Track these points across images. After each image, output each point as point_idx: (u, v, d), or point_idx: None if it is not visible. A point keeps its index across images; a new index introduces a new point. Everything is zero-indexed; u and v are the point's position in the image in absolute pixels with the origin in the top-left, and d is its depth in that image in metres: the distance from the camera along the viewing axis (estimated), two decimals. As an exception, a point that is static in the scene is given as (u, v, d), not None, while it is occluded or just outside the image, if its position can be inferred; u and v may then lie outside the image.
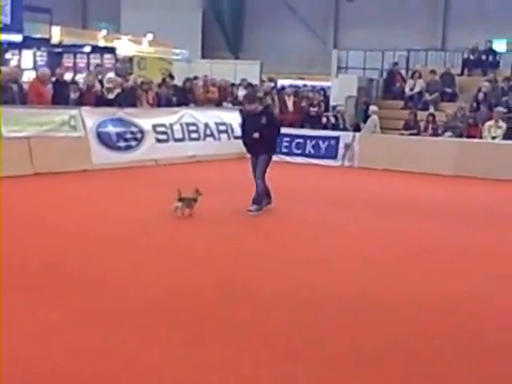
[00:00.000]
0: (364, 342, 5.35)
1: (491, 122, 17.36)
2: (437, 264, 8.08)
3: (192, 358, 4.89)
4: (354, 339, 5.42)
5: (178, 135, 17.34)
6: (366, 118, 19.44)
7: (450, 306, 6.47)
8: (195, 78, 20.44)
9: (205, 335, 5.37)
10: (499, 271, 7.84)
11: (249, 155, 11.13)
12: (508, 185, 14.90)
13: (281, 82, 25.20)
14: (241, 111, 16.17)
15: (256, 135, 10.50)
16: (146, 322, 5.62)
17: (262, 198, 10.78)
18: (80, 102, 15.69)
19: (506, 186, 14.79)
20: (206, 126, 18.14)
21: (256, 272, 7.34)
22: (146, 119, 16.46)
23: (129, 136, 16.00)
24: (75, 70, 24.96)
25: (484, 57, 21.68)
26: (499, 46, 24.63)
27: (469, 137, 17.63)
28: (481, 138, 17.38)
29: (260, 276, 7.21)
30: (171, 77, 19.84)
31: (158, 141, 16.70)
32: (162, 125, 16.95)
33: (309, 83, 27.02)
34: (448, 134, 17.91)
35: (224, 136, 18.61)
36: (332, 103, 21.17)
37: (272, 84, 22.28)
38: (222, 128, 18.61)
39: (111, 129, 15.65)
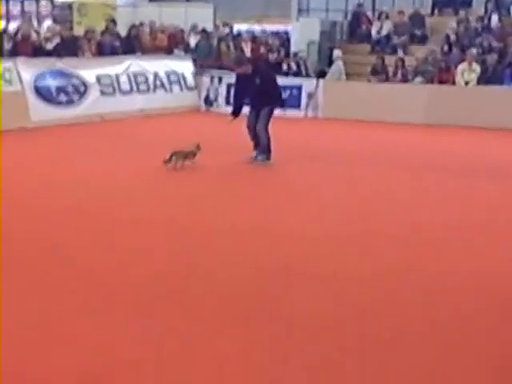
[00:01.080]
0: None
1: (464, 66, 17.38)
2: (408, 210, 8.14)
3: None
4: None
5: (125, 87, 17.08)
6: (330, 64, 19.32)
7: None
8: (141, 24, 20.04)
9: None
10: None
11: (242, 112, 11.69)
12: (485, 132, 14.98)
13: (237, 27, 24.83)
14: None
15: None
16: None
17: (265, 149, 11.32)
18: (15, 54, 15.31)
19: (482, 134, 14.87)
20: (156, 76, 17.90)
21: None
22: (88, 70, 16.18)
23: (70, 89, 15.73)
24: (8, 18, 24.32)
25: (456, -5, 21.66)
26: (472, -18, 24.61)
27: (441, 82, 17.66)
28: (453, 82, 17.42)
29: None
30: (113, 22, 19.43)
31: (103, 94, 16.46)
32: (107, 76, 16.68)
33: (267, 27, 26.72)
34: (418, 79, 17.91)
35: (176, 87, 18.40)
36: (293, 49, 20.97)
37: (227, 29, 21.99)
38: (174, 78, 18.39)
39: (50, 82, 15.35)
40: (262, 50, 19.99)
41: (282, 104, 12.27)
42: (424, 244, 7.14)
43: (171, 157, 10.43)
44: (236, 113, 11.75)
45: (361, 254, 6.74)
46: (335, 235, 7.36)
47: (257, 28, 26.63)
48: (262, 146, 11.37)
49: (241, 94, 11.78)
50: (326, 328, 4.99)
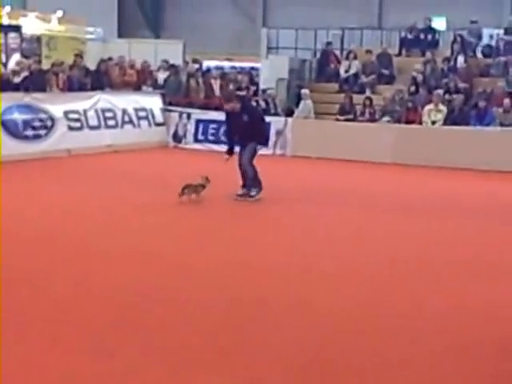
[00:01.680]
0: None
1: (431, 106, 17.62)
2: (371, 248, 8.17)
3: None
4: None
5: (93, 122, 17.04)
6: (299, 102, 19.47)
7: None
8: (109, 59, 20.04)
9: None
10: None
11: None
12: (451, 173, 15.13)
13: (206, 64, 25.00)
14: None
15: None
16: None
17: (255, 182, 11.59)
18: (-19, 87, 15.23)
19: (448, 175, 15.01)
20: (124, 112, 17.88)
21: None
22: (56, 105, 16.12)
23: (37, 124, 15.65)
24: (-24, 50, 24.18)
25: (423, 36, 21.97)
26: (439, 23, 25.03)
27: (408, 122, 17.87)
28: (420, 122, 17.63)
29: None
30: (80, 56, 19.40)
31: (71, 129, 16.40)
32: (75, 111, 16.63)
33: (237, 64, 26.93)
34: (386, 118, 18.09)
35: (144, 123, 18.41)
36: (262, 86, 21.12)
37: (196, 66, 22.08)
38: (142, 114, 18.40)
39: (17, 116, 15.27)
40: (231, 86, 20.08)
41: (266, 142, 12.63)
42: (395, 281, 7.18)
43: (183, 190, 10.71)
44: (230, 150, 11.82)
45: (331, 288, 6.80)
46: (308, 270, 7.41)
47: (226, 65, 26.84)
48: (249, 180, 11.58)
49: (230, 131, 12.07)
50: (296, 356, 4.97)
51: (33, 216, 9.78)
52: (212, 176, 11.16)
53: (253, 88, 20.33)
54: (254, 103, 19.25)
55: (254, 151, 11.64)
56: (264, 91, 20.44)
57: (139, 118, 18.29)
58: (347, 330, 5.81)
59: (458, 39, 20.84)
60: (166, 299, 6.41)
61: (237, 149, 11.84)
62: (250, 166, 11.58)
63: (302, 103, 19.08)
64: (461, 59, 20.06)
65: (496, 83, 18.31)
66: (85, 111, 16.83)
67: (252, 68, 24.90)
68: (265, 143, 12.47)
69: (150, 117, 18.53)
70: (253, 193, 11.56)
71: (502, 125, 16.73)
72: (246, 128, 11.46)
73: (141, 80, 20.01)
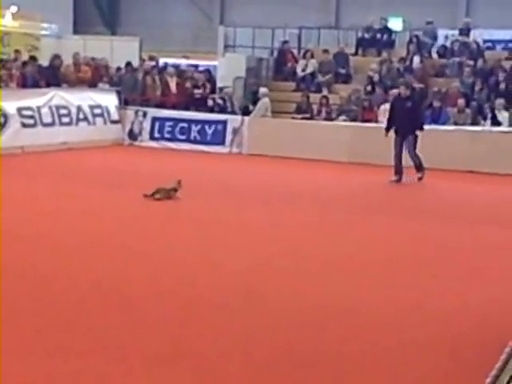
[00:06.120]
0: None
1: (387, 106, 17.76)
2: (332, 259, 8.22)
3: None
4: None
5: (47, 119, 16.87)
6: (256, 100, 19.50)
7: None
8: (57, 56, 19.56)
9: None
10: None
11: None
12: (408, 171, 15.23)
13: (163, 61, 24.89)
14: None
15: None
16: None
17: (421, 167, 14.17)
18: None
19: (405, 173, 15.11)
20: (79, 109, 17.72)
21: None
22: (9, 102, 15.90)
23: (-10, 121, 15.45)
24: None
25: (379, 36, 22.19)
26: (395, 23, 25.29)
27: (364, 121, 18.02)
28: (376, 122, 17.78)
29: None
30: (34, 58, 19.13)
31: (24, 126, 16.23)
32: (29, 108, 16.45)
33: (193, 62, 26.86)
34: (342, 117, 18.24)
35: (99, 120, 18.28)
36: (219, 84, 21.11)
37: (153, 63, 22.00)
38: (97, 111, 18.26)
39: (-31, 113, 15.07)
40: (188, 84, 20.04)
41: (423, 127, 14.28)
42: (347, 280, 7.23)
43: (155, 193, 10.80)
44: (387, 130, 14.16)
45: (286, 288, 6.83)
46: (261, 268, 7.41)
47: (183, 62, 26.75)
48: (418, 166, 14.06)
49: (394, 120, 14.12)
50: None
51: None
52: (167, 175, 11.11)
53: (209, 86, 20.28)
54: (210, 101, 19.37)
55: (415, 141, 13.82)
56: (221, 89, 20.44)
57: (94, 116, 18.14)
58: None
59: (414, 40, 21.13)
60: (113, 299, 6.38)
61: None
62: (415, 155, 13.91)
63: (259, 102, 19.10)
64: (416, 59, 20.33)
65: (451, 83, 18.58)
66: (38, 108, 16.64)
67: (208, 67, 24.86)
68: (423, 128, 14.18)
69: (106, 114, 18.41)
70: (420, 175, 13.99)
71: (456, 124, 16.97)
72: (409, 113, 13.78)
73: (96, 77, 19.85)
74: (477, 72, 19.03)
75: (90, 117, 18.01)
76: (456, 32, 22.25)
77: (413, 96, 14.97)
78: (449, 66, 20.19)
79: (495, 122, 17.02)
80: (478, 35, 21.97)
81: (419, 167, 14.14)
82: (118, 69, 20.37)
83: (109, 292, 6.56)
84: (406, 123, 13.82)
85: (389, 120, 14.38)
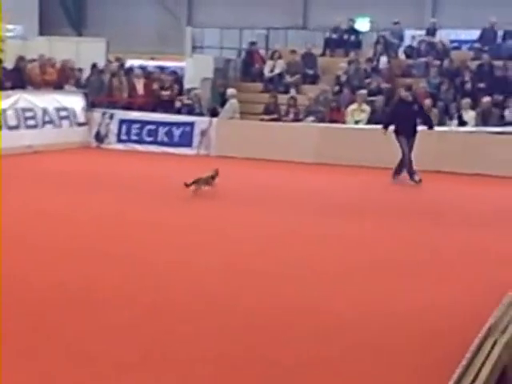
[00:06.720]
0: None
1: (354, 106, 17.86)
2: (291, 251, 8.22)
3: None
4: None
5: (12, 122, 16.70)
6: (224, 101, 19.44)
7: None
8: (22, 57, 19.34)
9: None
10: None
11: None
12: (374, 172, 15.34)
13: (130, 63, 24.75)
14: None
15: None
16: None
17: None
18: None
19: (370, 174, 15.22)
20: (45, 111, 17.58)
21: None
22: (-27, 104, 15.75)
23: (-47, 124, 15.26)
24: None
25: (346, 36, 22.25)
26: (362, 24, 25.41)
27: (332, 121, 18.07)
28: (344, 122, 17.84)
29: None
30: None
31: (-12, 129, 16.04)
32: (-8, 111, 16.28)
33: (161, 64, 26.75)
34: (310, 118, 18.25)
35: (66, 123, 18.16)
36: (186, 86, 21.04)
37: (119, 64, 21.84)
38: (64, 114, 18.13)
39: None
40: (155, 86, 19.94)
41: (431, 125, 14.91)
42: (321, 283, 7.26)
43: (193, 182, 11.46)
44: (386, 127, 14.50)
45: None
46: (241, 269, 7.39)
47: (151, 64, 26.64)
48: (412, 168, 14.32)
49: (398, 122, 14.37)
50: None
51: None
52: (132, 177, 11.05)
53: (177, 87, 20.20)
54: (178, 103, 19.29)
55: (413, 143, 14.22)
56: (189, 91, 20.36)
57: (60, 118, 18.01)
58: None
59: (381, 40, 21.22)
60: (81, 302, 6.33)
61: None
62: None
63: (227, 103, 19.04)
64: (383, 60, 20.42)
65: (418, 84, 18.66)
66: (3, 111, 16.46)
67: (176, 67, 24.76)
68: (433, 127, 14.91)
69: (72, 117, 18.27)
70: (418, 177, 14.28)
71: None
72: (415, 117, 14.32)
73: (62, 79, 19.67)
74: (443, 72, 19.15)
75: (56, 119, 17.87)
76: (423, 32, 22.37)
77: (415, 98, 15.21)
78: (415, 66, 20.30)
79: (461, 122, 17.15)
80: (444, 35, 22.12)
81: (413, 170, 14.40)
82: (80, 70, 20.20)
83: (74, 295, 6.51)
84: (411, 126, 14.31)
85: (389, 121, 14.64)
